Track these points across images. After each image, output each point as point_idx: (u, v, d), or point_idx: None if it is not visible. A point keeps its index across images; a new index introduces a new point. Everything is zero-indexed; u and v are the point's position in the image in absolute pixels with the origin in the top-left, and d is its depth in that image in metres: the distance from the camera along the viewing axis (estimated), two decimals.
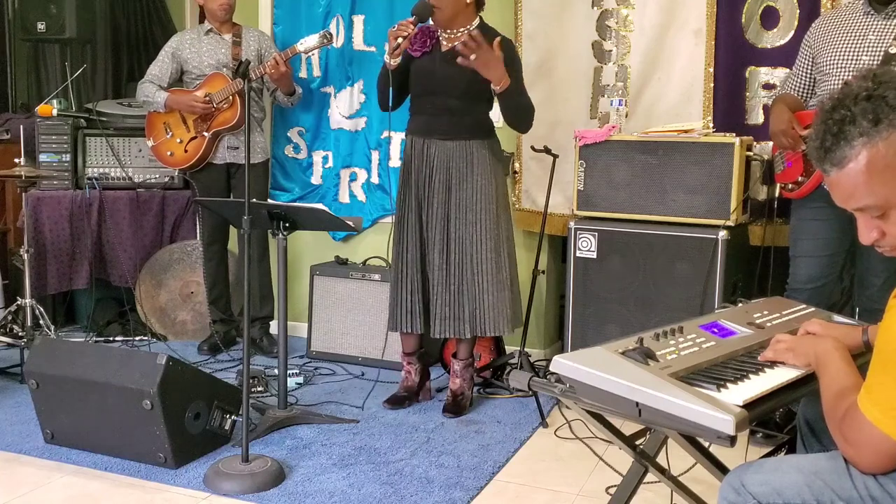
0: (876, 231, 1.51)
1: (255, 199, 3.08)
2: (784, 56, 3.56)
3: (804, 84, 3.19)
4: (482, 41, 3.10)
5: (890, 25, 2.92)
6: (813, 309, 2.27)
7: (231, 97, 4.12)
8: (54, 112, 4.39)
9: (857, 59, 2.95)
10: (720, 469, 1.93)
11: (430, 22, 3.37)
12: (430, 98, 3.38)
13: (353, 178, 4.56)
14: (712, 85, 3.70)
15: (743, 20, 3.66)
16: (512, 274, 3.49)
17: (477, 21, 3.37)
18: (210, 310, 4.42)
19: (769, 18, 3.63)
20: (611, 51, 3.88)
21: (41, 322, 4.06)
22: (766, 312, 2.14)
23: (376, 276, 4.15)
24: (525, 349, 3.86)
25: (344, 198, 4.59)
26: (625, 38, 3.85)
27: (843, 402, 1.52)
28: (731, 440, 1.47)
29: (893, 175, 1.44)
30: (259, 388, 3.68)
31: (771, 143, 3.34)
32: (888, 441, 1.42)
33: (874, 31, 2.95)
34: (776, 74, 3.61)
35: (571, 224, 3.61)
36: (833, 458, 1.55)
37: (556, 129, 4.01)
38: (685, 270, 3.39)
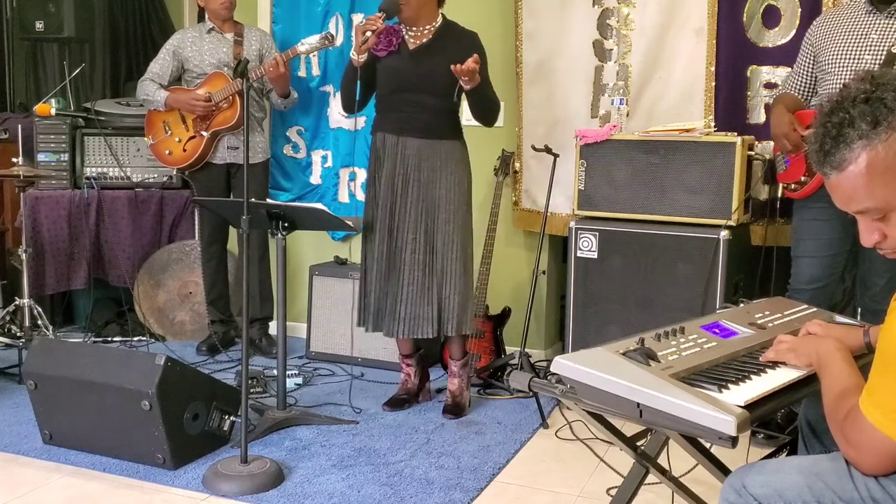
0: (877, 233, 1.51)
1: (254, 199, 3.06)
2: (786, 55, 3.55)
3: (805, 83, 3.17)
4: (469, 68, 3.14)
5: (893, 24, 2.91)
6: (814, 309, 2.27)
7: (231, 97, 4.11)
8: (52, 111, 4.37)
9: (859, 59, 2.93)
10: (721, 470, 1.92)
11: (395, 20, 3.37)
12: (403, 95, 3.35)
13: (352, 177, 4.55)
14: (714, 84, 3.68)
15: (744, 19, 3.64)
16: (472, 275, 3.50)
17: (440, 18, 3.38)
18: (209, 310, 4.41)
19: (771, 17, 3.62)
20: (612, 50, 3.87)
21: (39, 322, 4.06)
22: (767, 313, 2.13)
23: None
24: (525, 350, 3.84)
25: (343, 197, 4.58)
26: (626, 37, 3.83)
27: (845, 403, 1.52)
28: (733, 441, 1.47)
29: (893, 177, 1.43)
30: (258, 389, 3.68)
31: (773, 143, 3.33)
32: (890, 443, 1.42)
33: (876, 31, 2.93)
34: (778, 73, 3.60)
35: (572, 224, 3.60)
36: (834, 460, 1.54)
37: (556, 128, 3.99)
38: (686, 270, 3.38)
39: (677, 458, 2.15)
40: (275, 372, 3.51)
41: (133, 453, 2.95)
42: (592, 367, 1.63)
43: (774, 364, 1.78)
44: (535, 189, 4.12)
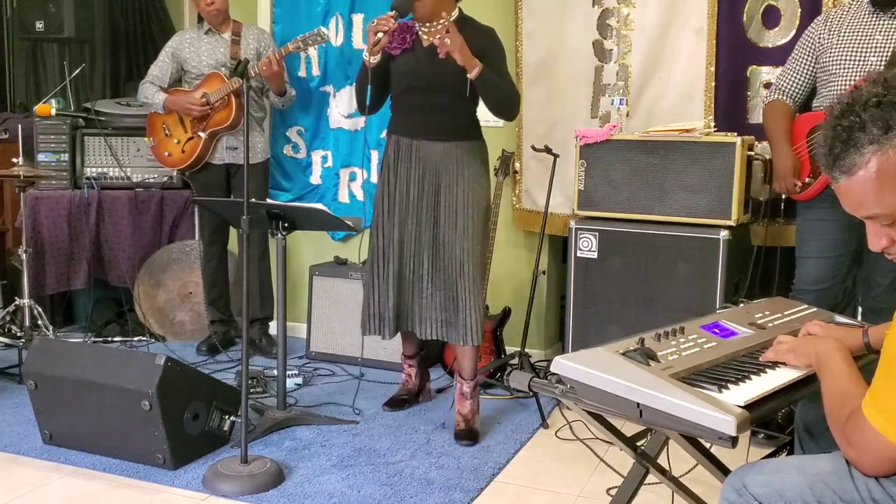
0: (885, 239, 1.50)
1: (254, 199, 3.06)
2: (785, 55, 3.53)
3: (802, 83, 3.17)
4: (452, 26, 3.02)
5: None
6: (814, 309, 2.27)
7: (227, 97, 4.11)
8: (53, 111, 4.37)
9: (864, 60, 2.93)
10: (721, 470, 1.92)
11: (409, 17, 3.22)
12: (416, 96, 3.23)
13: (352, 177, 4.55)
14: (713, 84, 3.68)
15: (744, 19, 3.64)
16: (483, 282, 3.34)
17: (456, 12, 3.23)
18: (209, 310, 4.41)
19: (770, 17, 3.62)
20: (611, 50, 3.87)
21: (39, 322, 4.06)
22: (767, 313, 2.13)
23: None
24: (525, 350, 3.85)
25: (343, 197, 4.58)
26: (626, 37, 3.83)
27: (846, 404, 1.52)
28: (733, 441, 1.47)
29: None
30: (258, 389, 3.68)
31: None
32: (892, 448, 1.42)
33: (881, 32, 2.93)
34: (777, 74, 3.60)
35: (572, 224, 3.60)
36: (835, 460, 1.54)
37: (556, 128, 3.99)
38: (686, 270, 3.38)
39: (677, 458, 2.15)
40: (275, 372, 3.51)
41: (133, 453, 2.96)
42: (592, 367, 1.63)
43: (774, 364, 1.78)
44: (535, 189, 4.12)
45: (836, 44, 3.01)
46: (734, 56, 3.67)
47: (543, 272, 3.98)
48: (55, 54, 5.04)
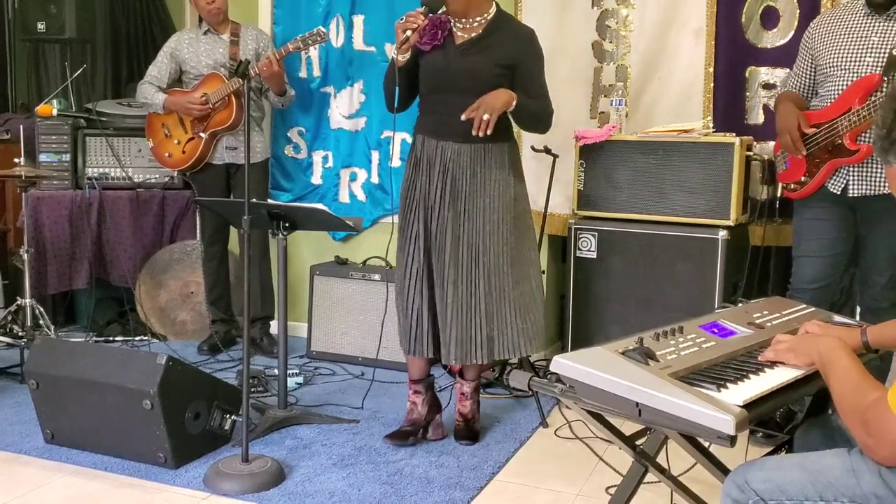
0: None
1: (254, 199, 3.07)
2: (784, 56, 3.56)
3: (805, 84, 3.18)
4: (480, 111, 2.89)
5: (892, 27, 2.91)
6: (813, 309, 2.27)
7: (227, 97, 4.12)
8: (54, 112, 4.38)
9: (860, 61, 2.94)
10: (720, 469, 1.93)
11: (442, 11, 3.01)
12: (444, 96, 3.03)
13: (353, 177, 4.56)
14: (712, 85, 3.70)
15: (743, 20, 3.66)
16: (535, 288, 3.17)
17: (494, 8, 3.05)
18: (210, 310, 4.42)
19: (769, 18, 3.63)
20: (611, 50, 3.88)
21: (41, 322, 4.06)
22: (766, 312, 2.14)
23: (376, 277, 4.15)
24: None
25: (344, 198, 4.59)
26: (625, 38, 3.85)
27: (863, 397, 1.51)
28: (732, 440, 1.47)
29: None
30: (259, 388, 3.68)
31: (772, 143, 3.34)
32: None
33: (877, 33, 2.94)
34: (776, 74, 3.61)
35: (571, 224, 3.61)
36: (837, 456, 1.55)
37: (555, 128, 3.94)
38: (685, 270, 3.39)
39: (676, 457, 2.16)
40: (276, 371, 3.52)
41: (134, 452, 2.96)
42: (592, 366, 1.63)
43: (773, 363, 1.78)
44: (534, 189, 4.11)
45: (832, 46, 3.01)
46: (733, 57, 3.68)
47: (543, 272, 3.98)
48: (56, 55, 5.05)
